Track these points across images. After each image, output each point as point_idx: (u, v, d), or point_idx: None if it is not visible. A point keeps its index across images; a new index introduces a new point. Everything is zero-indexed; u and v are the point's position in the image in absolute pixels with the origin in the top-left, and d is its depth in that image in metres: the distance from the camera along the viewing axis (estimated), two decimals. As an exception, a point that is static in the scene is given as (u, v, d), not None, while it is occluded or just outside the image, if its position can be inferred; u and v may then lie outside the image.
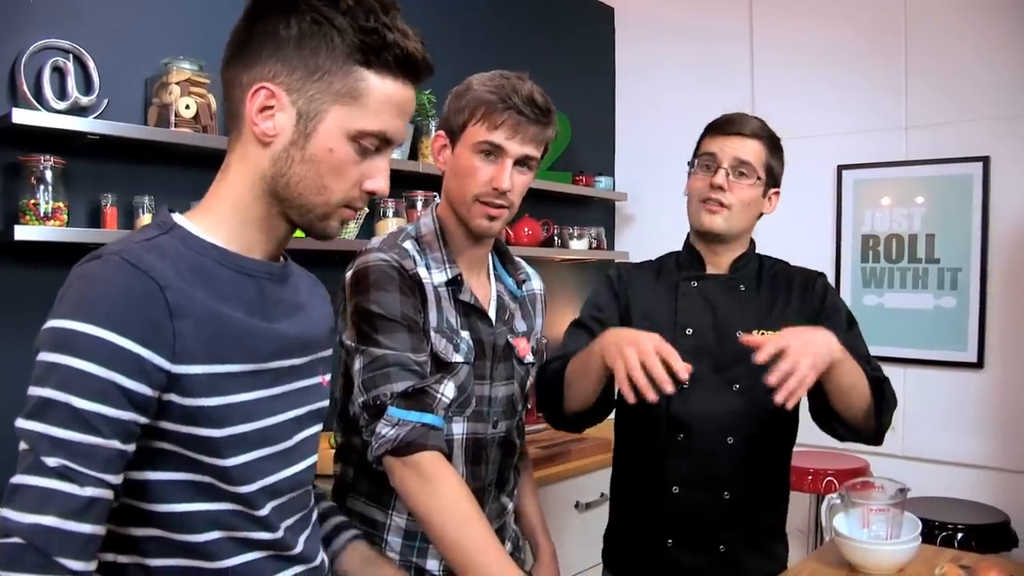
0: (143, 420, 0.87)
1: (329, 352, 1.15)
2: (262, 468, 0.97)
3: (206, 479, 0.93)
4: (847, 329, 1.64)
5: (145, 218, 2.12)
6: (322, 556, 1.12)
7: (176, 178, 2.26)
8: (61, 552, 0.80)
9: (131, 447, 0.87)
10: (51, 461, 0.81)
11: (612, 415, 1.77)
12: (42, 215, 1.92)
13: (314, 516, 1.13)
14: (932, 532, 2.44)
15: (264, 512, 0.98)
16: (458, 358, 1.39)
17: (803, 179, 3.24)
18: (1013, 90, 2.82)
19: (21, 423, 0.83)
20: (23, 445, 0.83)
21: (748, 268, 1.72)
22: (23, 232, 1.85)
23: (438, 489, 1.22)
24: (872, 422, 1.56)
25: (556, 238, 3.37)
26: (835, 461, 2.80)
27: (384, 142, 0.99)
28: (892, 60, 3.06)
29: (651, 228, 3.69)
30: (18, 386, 2.08)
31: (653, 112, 3.70)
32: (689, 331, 1.66)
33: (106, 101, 2.07)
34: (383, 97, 0.96)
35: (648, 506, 1.68)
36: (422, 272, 1.40)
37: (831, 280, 3.10)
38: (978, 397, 2.88)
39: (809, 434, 1.77)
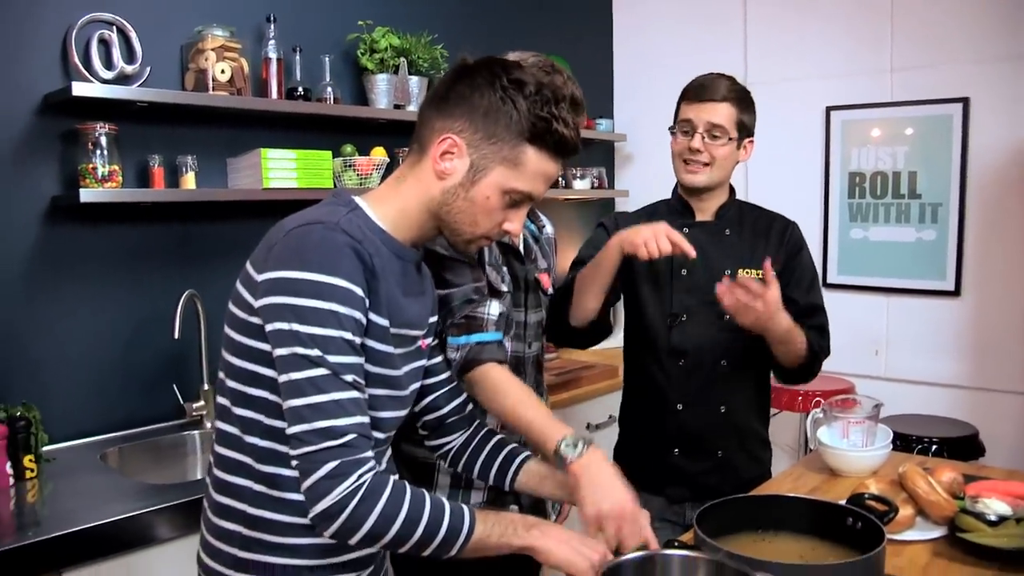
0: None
1: (433, 320, 1.40)
2: (383, 403, 1.23)
3: None
4: (808, 288, 1.92)
5: (189, 176, 2.30)
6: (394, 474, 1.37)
7: (214, 137, 2.44)
8: (370, 434, 1.14)
9: None
10: (348, 377, 1.12)
11: (614, 355, 1.98)
12: (100, 178, 2.10)
13: (389, 450, 1.37)
14: (909, 445, 2.68)
15: None
16: (504, 288, 1.65)
17: (794, 120, 3.42)
18: (992, 34, 2.97)
19: (304, 351, 1.09)
20: (317, 371, 1.09)
21: (731, 214, 1.96)
22: (87, 195, 2.03)
23: (504, 391, 1.48)
24: (804, 368, 1.85)
25: (560, 179, 3.53)
26: (822, 383, 3.00)
27: (528, 199, 1.26)
28: (879, 5, 3.20)
29: (649, 167, 3.87)
30: (86, 326, 2.28)
31: (650, 56, 3.84)
32: (684, 272, 1.90)
33: (148, 69, 2.23)
34: (537, 168, 1.23)
35: (656, 423, 1.95)
36: None
37: (819, 215, 3.35)
38: (954, 323, 3.12)
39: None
